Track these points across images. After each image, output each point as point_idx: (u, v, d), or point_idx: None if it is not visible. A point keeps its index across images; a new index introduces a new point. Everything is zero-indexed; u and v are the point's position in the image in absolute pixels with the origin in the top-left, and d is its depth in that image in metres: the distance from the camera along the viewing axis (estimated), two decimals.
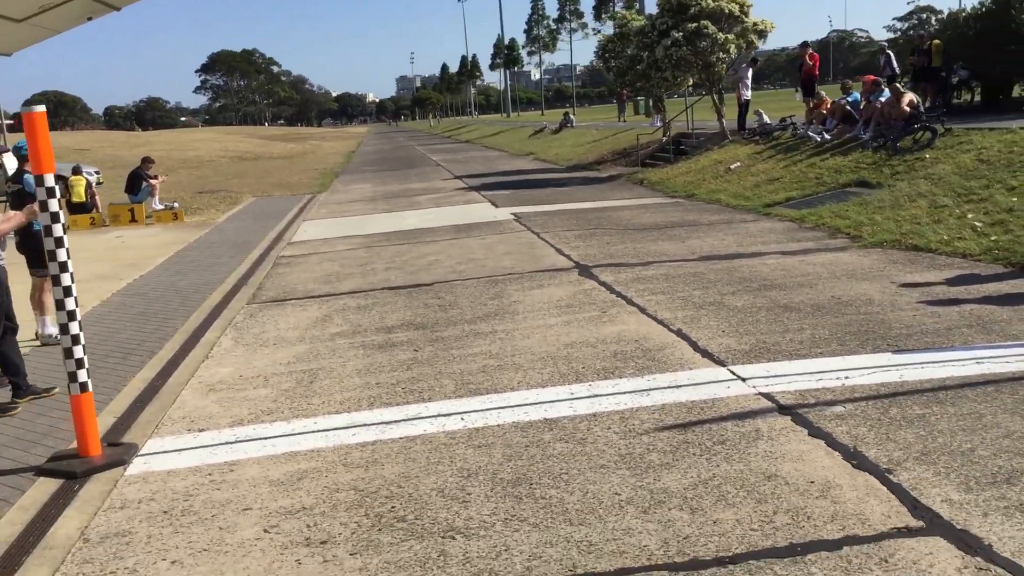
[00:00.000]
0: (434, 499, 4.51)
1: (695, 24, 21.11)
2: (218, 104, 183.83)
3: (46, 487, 5.07)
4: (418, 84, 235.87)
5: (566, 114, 45.87)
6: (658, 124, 32.98)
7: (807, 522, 3.93)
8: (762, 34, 22.19)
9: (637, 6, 55.99)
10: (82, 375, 5.33)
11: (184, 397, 6.59)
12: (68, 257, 5.35)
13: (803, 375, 5.89)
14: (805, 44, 23.07)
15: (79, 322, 5.40)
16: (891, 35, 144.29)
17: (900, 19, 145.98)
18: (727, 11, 21.35)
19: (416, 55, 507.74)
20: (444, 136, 72.58)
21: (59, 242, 5.29)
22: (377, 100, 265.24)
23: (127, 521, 4.55)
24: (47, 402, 6.59)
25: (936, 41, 19.76)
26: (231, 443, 5.56)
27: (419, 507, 4.43)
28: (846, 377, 5.77)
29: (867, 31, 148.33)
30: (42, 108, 5.17)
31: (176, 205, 19.56)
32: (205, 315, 9.39)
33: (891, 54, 22.16)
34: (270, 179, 31.01)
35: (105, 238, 16.50)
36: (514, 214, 16.01)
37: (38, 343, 8.32)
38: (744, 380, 5.87)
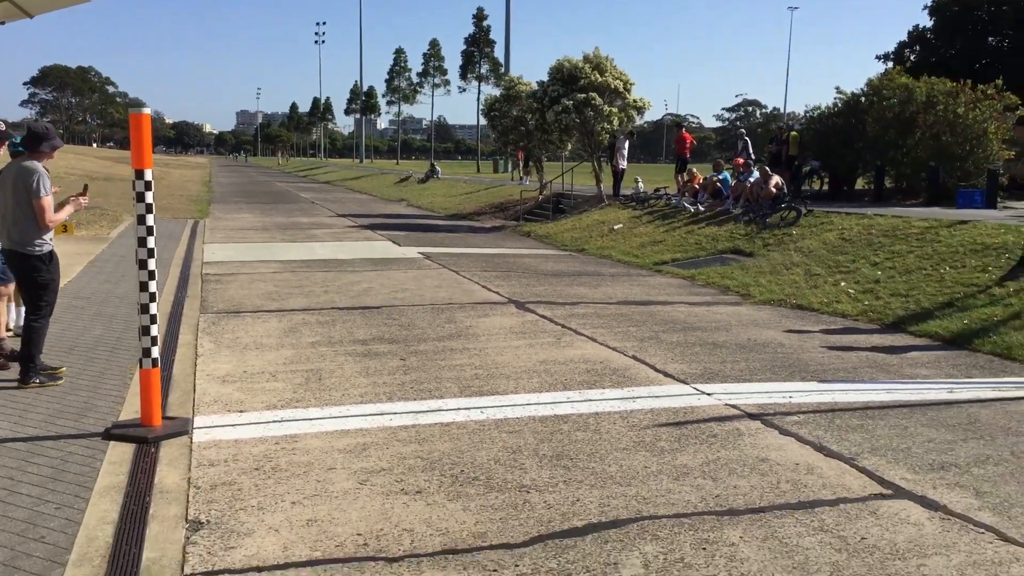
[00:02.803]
0: (494, 467, 5.41)
1: (584, 95, 22.96)
2: (45, 120, 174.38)
3: (123, 449, 5.59)
4: (260, 120, 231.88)
5: (432, 165, 47.24)
6: (526, 183, 34.79)
7: (805, 488, 5.12)
8: (640, 110, 24.32)
9: (502, 70, 58.59)
10: (155, 352, 5.90)
11: (203, 386, 7.15)
12: (155, 244, 5.96)
13: (755, 393, 7.17)
14: (680, 125, 25.38)
15: (158, 303, 5.99)
16: (720, 123, 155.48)
17: (728, 109, 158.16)
18: (612, 86, 23.34)
19: (262, 91, 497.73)
20: (299, 176, 72.22)
21: (150, 231, 5.91)
22: (216, 132, 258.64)
23: (226, 475, 5.19)
24: (73, 382, 7.00)
25: (794, 133, 22.38)
26: (279, 422, 6.23)
27: (485, 472, 5.31)
28: (790, 396, 7.09)
29: (699, 117, 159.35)
30: (148, 110, 5.81)
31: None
32: (167, 319, 9.79)
33: (748, 140, 24.73)
34: None
35: None
36: (422, 253, 16.94)
37: (10, 334, 8.51)
38: (709, 395, 7.09)
